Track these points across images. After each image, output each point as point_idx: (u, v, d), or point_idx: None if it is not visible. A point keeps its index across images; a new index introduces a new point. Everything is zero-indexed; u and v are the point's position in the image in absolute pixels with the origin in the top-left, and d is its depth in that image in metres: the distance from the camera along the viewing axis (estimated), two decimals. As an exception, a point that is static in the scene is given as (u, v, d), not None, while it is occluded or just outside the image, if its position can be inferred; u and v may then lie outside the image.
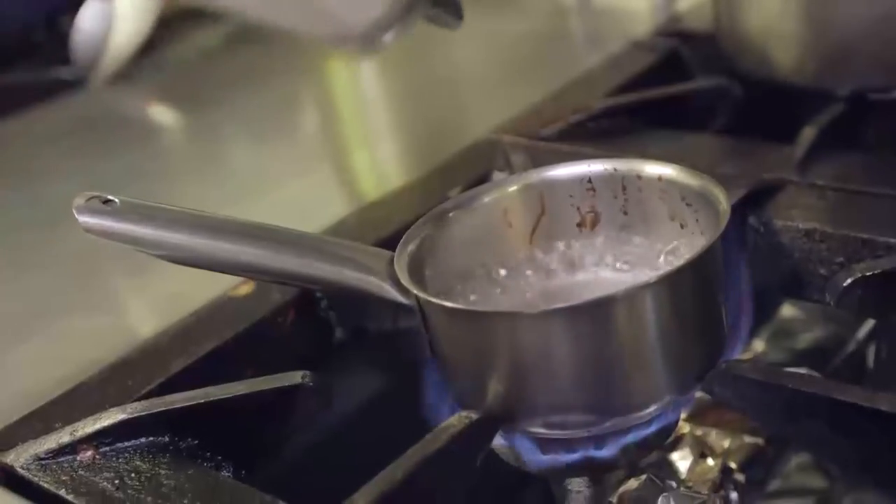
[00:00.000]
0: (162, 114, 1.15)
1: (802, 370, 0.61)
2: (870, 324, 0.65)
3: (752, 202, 0.58)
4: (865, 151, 0.64)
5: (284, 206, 0.79)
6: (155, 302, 0.68)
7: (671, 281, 0.44)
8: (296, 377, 0.50)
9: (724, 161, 0.64)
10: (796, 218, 0.57)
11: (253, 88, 1.06)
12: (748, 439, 0.59)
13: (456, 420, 0.45)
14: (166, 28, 1.18)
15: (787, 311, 0.69)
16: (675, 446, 0.58)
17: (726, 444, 0.58)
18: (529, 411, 0.46)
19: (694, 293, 0.46)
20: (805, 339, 0.66)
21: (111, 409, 0.50)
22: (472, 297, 0.52)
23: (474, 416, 0.45)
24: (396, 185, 0.72)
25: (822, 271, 0.55)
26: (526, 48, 1.05)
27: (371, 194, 0.77)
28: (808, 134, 0.64)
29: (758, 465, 0.59)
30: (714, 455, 0.58)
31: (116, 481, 0.46)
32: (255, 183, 0.86)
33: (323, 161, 0.92)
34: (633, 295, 0.44)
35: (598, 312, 0.44)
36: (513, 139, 0.72)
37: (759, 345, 0.67)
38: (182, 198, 0.84)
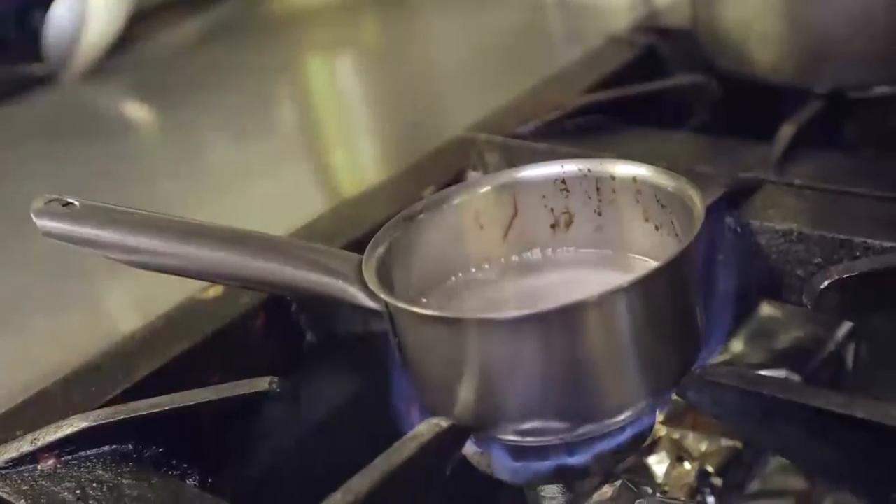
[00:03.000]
0: (135, 110, 1.13)
1: (782, 372, 0.60)
2: (848, 324, 0.64)
3: (729, 202, 0.57)
4: (844, 150, 0.63)
5: (258, 204, 0.78)
6: (121, 304, 0.67)
7: (645, 285, 0.43)
8: (263, 383, 0.49)
9: (701, 160, 0.63)
10: (774, 218, 0.56)
11: (228, 85, 1.05)
12: (725, 442, 0.58)
13: (425, 428, 0.44)
14: (140, 23, 1.17)
15: (766, 310, 0.68)
16: (651, 450, 0.57)
17: (703, 447, 0.58)
18: (501, 418, 0.45)
19: (668, 297, 0.45)
20: (784, 340, 0.65)
21: (74, 417, 0.48)
22: (443, 301, 0.51)
23: (444, 423, 0.44)
24: (371, 182, 0.71)
25: (800, 272, 0.55)
26: (503, 44, 1.04)
27: (346, 192, 0.76)
28: (786, 132, 0.63)
29: (735, 469, 0.58)
30: (691, 459, 0.57)
31: (78, 491, 0.45)
32: (229, 180, 0.85)
33: (298, 159, 0.91)
34: (605, 299, 0.43)
35: (571, 317, 0.43)
36: (487, 137, 0.71)
37: (737, 345, 0.66)
38: (155, 195, 0.83)
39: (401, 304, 0.45)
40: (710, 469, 0.57)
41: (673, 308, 0.45)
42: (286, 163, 0.88)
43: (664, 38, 0.83)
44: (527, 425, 0.45)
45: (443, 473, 0.45)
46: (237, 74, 1.08)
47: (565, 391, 0.44)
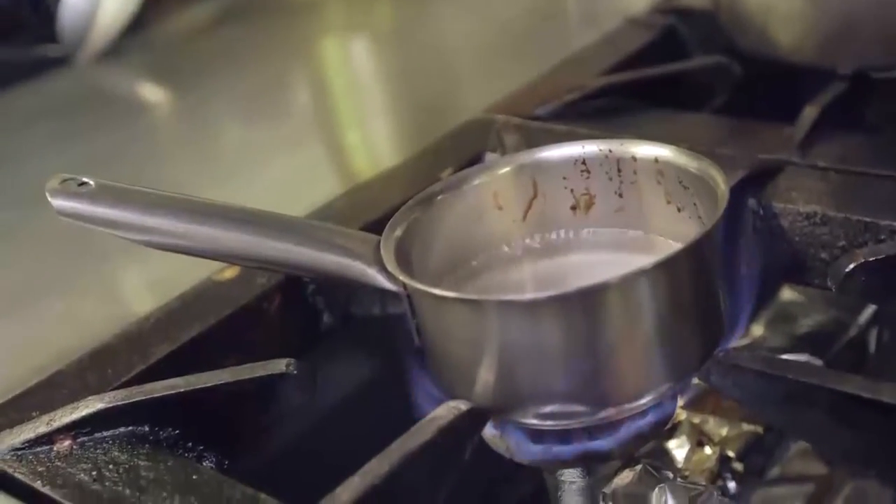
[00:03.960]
0: (150, 92, 1.13)
1: (803, 356, 0.60)
2: (871, 308, 0.64)
3: (752, 184, 0.56)
4: (868, 132, 0.62)
5: (273, 187, 0.77)
6: (137, 286, 0.66)
7: (667, 267, 0.43)
8: (280, 365, 0.49)
9: (722, 141, 0.62)
10: (797, 200, 0.55)
11: (242, 67, 1.05)
12: (746, 427, 0.57)
13: (444, 411, 0.43)
14: (154, 5, 1.17)
15: (787, 294, 0.67)
16: (671, 434, 0.56)
17: (724, 431, 0.57)
18: (521, 402, 0.44)
19: (691, 279, 0.44)
20: (805, 324, 0.65)
21: (89, 398, 0.48)
22: (462, 283, 0.51)
23: (463, 406, 0.44)
24: (388, 165, 0.70)
25: (824, 255, 0.54)
26: (519, 25, 1.03)
27: (362, 174, 0.76)
28: (809, 114, 0.62)
29: (756, 454, 0.57)
30: (711, 443, 0.56)
31: (94, 473, 0.45)
32: (243, 162, 0.84)
33: (312, 141, 0.90)
34: (628, 282, 0.42)
35: (592, 300, 0.42)
36: (506, 119, 0.70)
37: (757, 329, 0.65)
38: (169, 177, 0.82)
39: (420, 286, 0.44)
40: (730, 454, 0.56)
41: (696, 291, 0.45)
42: (301, 145, 0.87)
43: (684, 19, 0.82)
44: (547, 408, 0.44)
45: (462, 456, 0.44)
46: (251, 57, 1.07)
47: (586, 374, 0.43)
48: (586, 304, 0.42)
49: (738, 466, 0.56)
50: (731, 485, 0.55)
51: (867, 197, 0.55)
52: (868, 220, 0.52)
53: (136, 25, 1.13)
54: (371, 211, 0.61)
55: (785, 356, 0.60)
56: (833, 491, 0.59)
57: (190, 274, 0.58)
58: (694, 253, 0.44)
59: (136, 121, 0.99)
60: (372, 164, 0.82)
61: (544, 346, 0.43)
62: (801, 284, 0.59)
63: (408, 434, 0.42)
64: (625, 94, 0.72)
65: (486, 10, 1.07)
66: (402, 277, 0.45)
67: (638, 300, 0.42)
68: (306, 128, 0.94)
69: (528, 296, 0.44)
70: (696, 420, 0.57)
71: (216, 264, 0.57)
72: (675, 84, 0.73)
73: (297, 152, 0.85)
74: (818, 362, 0.60)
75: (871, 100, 0.67)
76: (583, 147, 0.52)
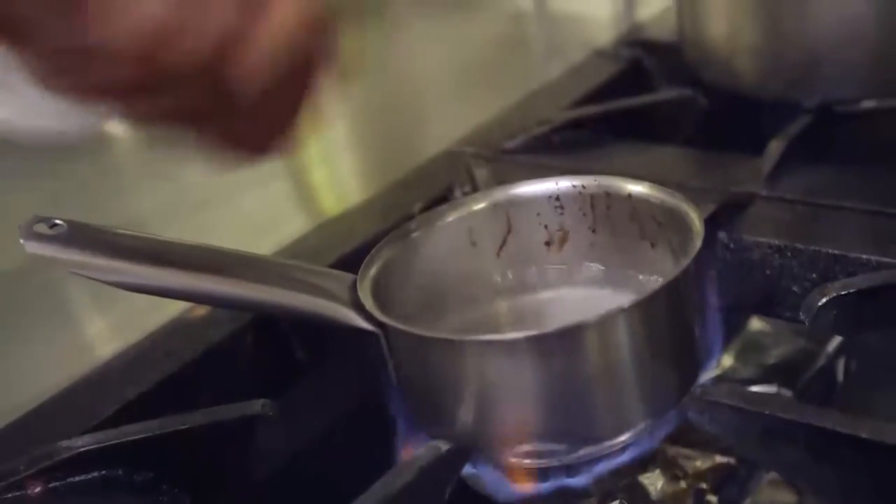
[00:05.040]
0: (112, 125, 1.12)
1: (773, 387, 0.60)
2: (838, 339, 0.64)
3: (721, 217, 0.57)
4: (834, 164, 0.62)
5: (240, 221, 0.77)
6: (107, 324, 0.65)
7: (645, 306, 0.43)
8: (256, 406, 0.48)
9: (691, 174, 0.63)
10: (767, 233, 0.55)
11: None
12: (720, 459, 0.57)
13: (425, 451, 0.43)
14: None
15: (755, 325, 0.68)
16: (645, 468, 0.56)
17: (698, 464, 0.57)
18: (500, 441, 0.44)
19: (668, 317, 0.45)
20: (774, 355, 0.65)
21: (61, 442, 0.47)
22: (438, 320, 0.51)
23: (444, 447, 0.44)
24: (356, 199, 0.70)
25: (795, 288, 0.54)
26: (484, 57, 1.04)
27: (330, 209, 0.75)
28: (775, 147, 0.63)
29: (730, 485, 0.57)
30: (686, 476, 0.56)
31: (67, 519, 0.44)
32: (210, 197, 0.84)
33: (279, 174, 0.90)
34: (607, 321, 0.42)
35: (571, 339, 0.42)
36: (475, 152, 0.70)
37: (727, 360, 0.65)
38: (135, 212, 0.82)
39: (399, 326, 0.44)
40: (704, 486, 0.56)
41: (673, 328, 0.45)
42: (268, 178, 0.87)
43: (650, 52, 0.83)
44: (526, 447, 0.44)
45: (442, 497, 0.44)
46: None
47: (565, 413, 0.44)
48: (565, 343, 0.42)
49: (713, 499, 0.56)
50: (707, 518, 0.55)
51: (836, 229, 0.55)
52: (838, 252, 0.53)
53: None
54: (342, 247, 0.61)
55: (756, 387, 0.61)
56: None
57: (162, 311, 0.57)
58: (671, 290, 0.44)
59: (97, 152, 0.98)
60: (340, 198, 0.82)
61: (523, 385, 0.43)
62: (771, 316, 0.60)
63: (389, 475, 0.42)
64: (592, 126, 0.72)
65: (451, 40, 1.07)
66: (380, 317, 0.45)
67: (616, 339, 0.43)
68: (272, 162, 0.93)
69: (508, 336, 0.44)
70: (670, 452, 0.57)
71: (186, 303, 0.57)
72: (641, 116, 0.74)
73: (264, 186, 0.84)
74: (788, 393, 0.61)
75: (837, 133, 0.67)
76: (556, 183, 0.52)
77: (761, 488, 0.60)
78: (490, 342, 0.43)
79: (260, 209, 0.79)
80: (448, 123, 0.82)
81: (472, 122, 0.77)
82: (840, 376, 0.65)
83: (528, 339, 0.42)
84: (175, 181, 0.89)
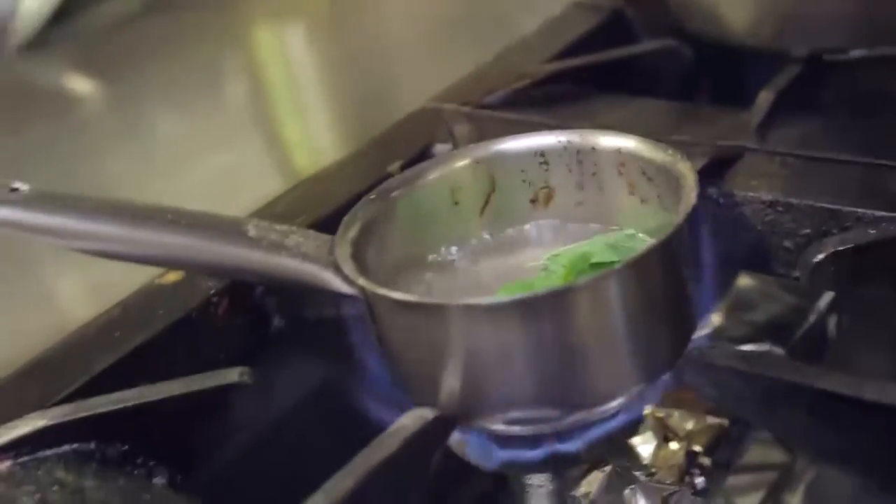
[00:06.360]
0: (79, 84, 1.09)
1: (765, 345, 0.59)
2: (829, 295, 0.63)
3: (711, 171, 0.55)
4: (825, 116, 0.61)
5: (213, 183, 0.75)
6: (76, 292, 0.63)
7: (638, 265, 0.41)
8: (233, 375, 0.47)
9: (677, 128, 0.61)
10: (759, 188, 0.54)
11: (175, 57, 1.01)
12: (711, 420, 0.56)
13: (409, 420, 0.42)
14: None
15: (744, 281, 0.66)
16: (635, 430, 0.55)
17: (689, 426, 0.55)
18: (488, 408, 0.43)
19: (661, 277, 0.43)
20: (764, 312, 0.64)
21: (30, 415, 0.46)
22: (421, 284, 0.49)
23: (429, 415, 0.42)
24: (331, 158, 0.68)
25: (788, 244, 0.53)
26: (458, 12, 1.01)
27: (304, 168, 0.73)
28: (764, 98, 0.61)
29: (723, 447, 0.56)
30: (678, 438, 0.55)
31: (37, 496, 0.43)
32: (180, 158, 0.81)
33: (252, 133, 0.87)
34: (597, 283, 0.40)
35: (560, 302, 0.41)
36: (454, 108, 0.68)
37: (717, 318, 0.64)
38: (102, 174, 0.79)
39: (380, 291, 0.42)
40: (697, 448, 0.55)
41: (667, 288, 0.43)
42: (240, 137, 0.85)
43: (631, 2, 0.81)
44: (515, 414, 0.43)
45: (428, 467, 0.42)
46: (185, 45, 1.04)
47: (555, 378, 0.42)
48: (554, 306, 0.40)
49: (706, 461, 0.55)
50: (699, 480, 0.54)
51: (829, 183, 0.54)
52: (832, 207, 0.51)
53: (63, 14, 1.08)
54: (318, 208, 0.59)
55: (747, 346, 0.59)
56: (795, 478, 0.58)
57: (133, 277, 0.55)
58: (665, 249, 0.42)
59: (66, 114, 0.95)
60: (315, 157, 0.80)
61: (512, 350, 0.41)
62: (763, 273, 0.58)
63: (372, 446, 0.40)
64: (574, 80, 0.70)
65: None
66: (360, 281, 0.43)
67: (608, 301, 0.41)
68: (243, 120, 0.91)
69: (494, 299, 0.42)
70: (661, 414, 0.56)
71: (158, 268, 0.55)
72: (624, 69, 0.72)
73: (236, 146, 0.82)
74: (780, 351, 0.59)
75: (827, 83, 0.66)
76: (541, 138, 0.50)
77: (752, 448, 0.59)
78: (476, 306, 0.41)
79: (232, 169, 0.76)
80: (425, 79, 0.80)
81: (447, 77, 0.75)
82: (832, 334, 0.64)
83: (516, 302, 0.40)
84: (142, 141, 0.87)
